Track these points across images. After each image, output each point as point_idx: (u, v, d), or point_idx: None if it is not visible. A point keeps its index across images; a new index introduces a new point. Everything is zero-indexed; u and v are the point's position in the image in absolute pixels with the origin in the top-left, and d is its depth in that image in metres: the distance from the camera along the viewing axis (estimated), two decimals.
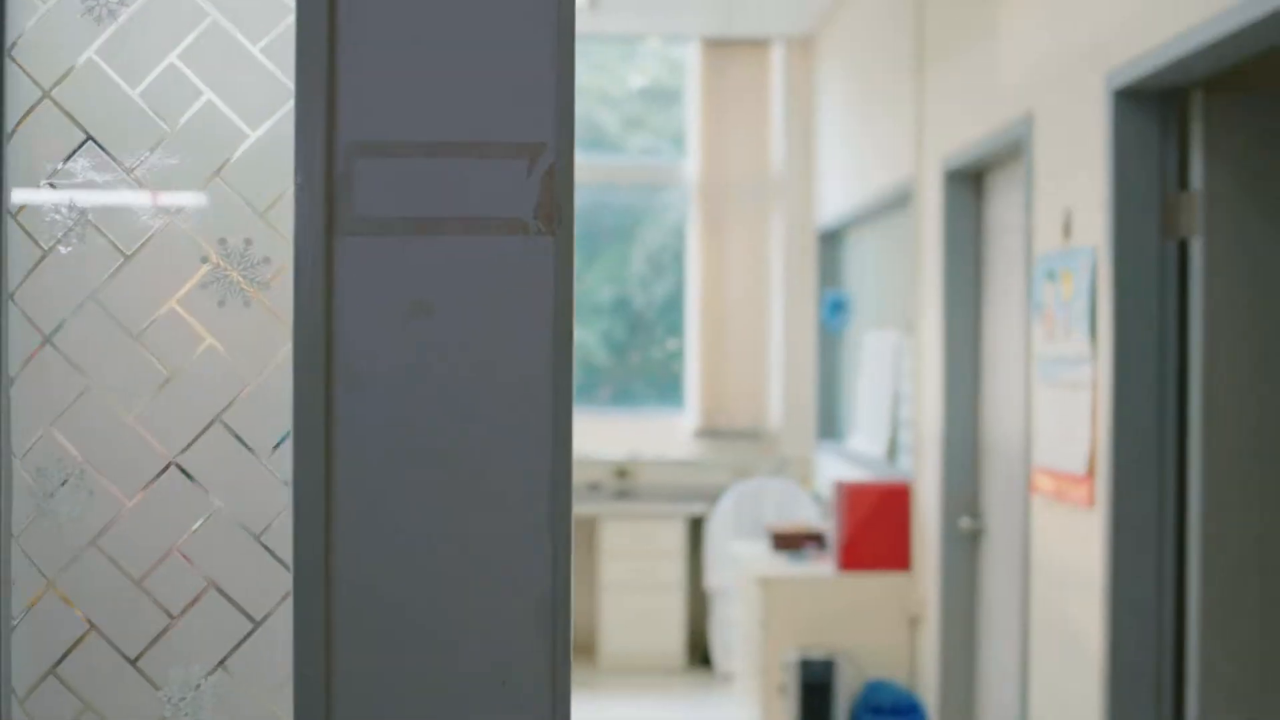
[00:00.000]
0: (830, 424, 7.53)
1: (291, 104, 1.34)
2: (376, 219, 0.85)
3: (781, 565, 5.72)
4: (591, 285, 8.05)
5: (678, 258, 8.04)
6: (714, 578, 7.03)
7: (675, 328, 8.08)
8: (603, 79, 8.15)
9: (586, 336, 8.05)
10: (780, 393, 7.83)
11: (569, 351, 0.85)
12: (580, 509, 7.24)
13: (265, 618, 1.44)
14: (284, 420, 1.40)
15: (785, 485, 7.21)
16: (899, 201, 5.79)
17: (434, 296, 0.84)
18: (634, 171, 8.06)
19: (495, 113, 0.87)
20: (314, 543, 0.77)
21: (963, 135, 4.76)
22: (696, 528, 7.27)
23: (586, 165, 8.00)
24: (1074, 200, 3.75)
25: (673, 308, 8.08)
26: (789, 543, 5.96)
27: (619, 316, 8.12)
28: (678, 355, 8.05)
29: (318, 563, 0.76)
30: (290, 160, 1.28)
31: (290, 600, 1.29)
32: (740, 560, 6.05)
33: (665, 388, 8.13)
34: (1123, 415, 3.51)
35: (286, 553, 1.39)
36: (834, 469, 6.98)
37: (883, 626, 5.46)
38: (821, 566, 5.66)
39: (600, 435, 7.88)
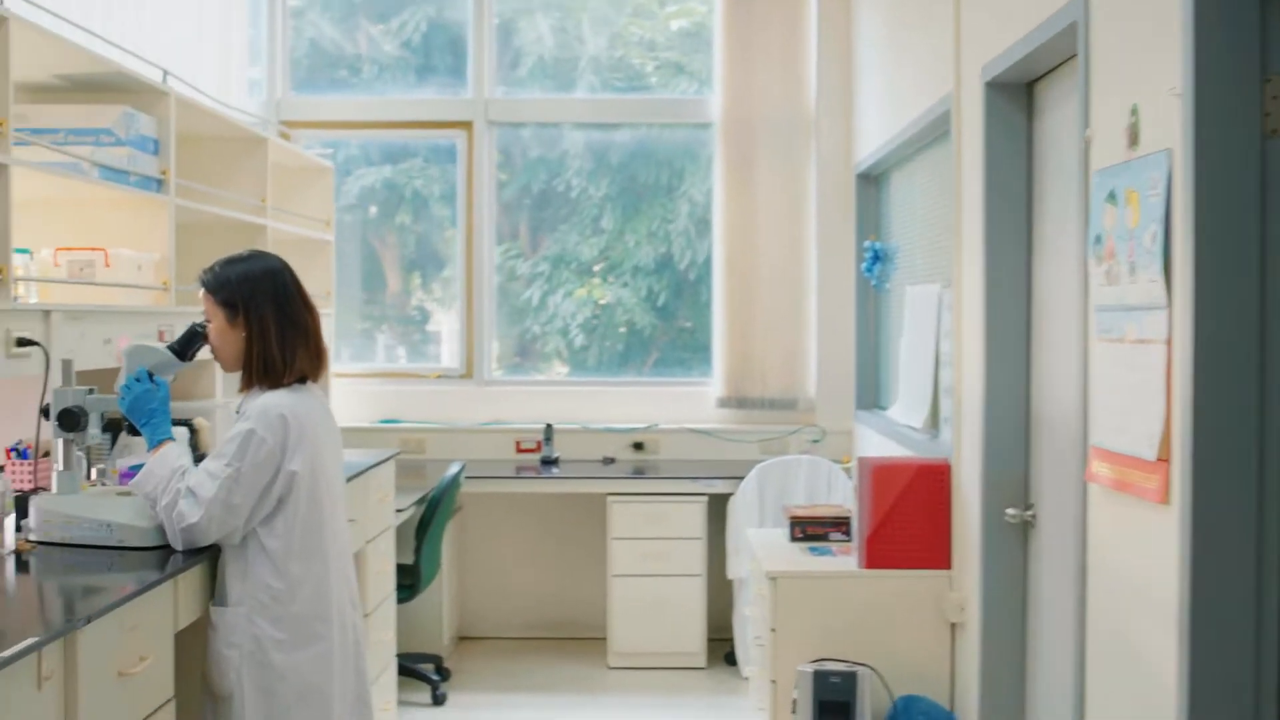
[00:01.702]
0: (872, 392, 6.65)
1: None
2: None
3: (797, 558, 4.86)
4: (633, 244, 7.24)
5: None
6: (737, 566, 6.19)
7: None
8: (641, 23, 7.31)
9: (626, 296, 7.23)
10: (816, 357, 6.95)
11: None
12: (590, 486, 6.43)
13: None
14: None
15: (818, 462, 6.34)
16: (938, 128, 4.89)
17: None
18: (656, 108, 7.20)
19: None
20: None
21: (1007, 36, 3.86)
22: (720, 508, 6.43)
23: (603, 103, 7.18)
24: (1142, 96, 2.84)
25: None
26: (810, 530, 5.10)
27: (662, 277, 7.28)
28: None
29: None
30: None
31: None
32: (753, 550, 5.20)
33: (695, 351, 7.29)
34: (1207, 383, 2.61)
35: None
36: (875, 444, 6.10)
37: (916, 633, 4.59)
38: (845, 560, 4.79)
39: (616, 405, 7.07)
